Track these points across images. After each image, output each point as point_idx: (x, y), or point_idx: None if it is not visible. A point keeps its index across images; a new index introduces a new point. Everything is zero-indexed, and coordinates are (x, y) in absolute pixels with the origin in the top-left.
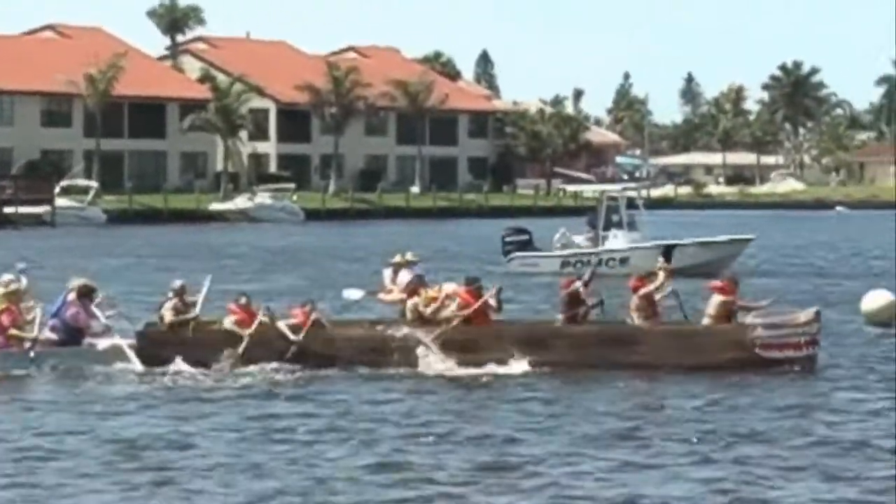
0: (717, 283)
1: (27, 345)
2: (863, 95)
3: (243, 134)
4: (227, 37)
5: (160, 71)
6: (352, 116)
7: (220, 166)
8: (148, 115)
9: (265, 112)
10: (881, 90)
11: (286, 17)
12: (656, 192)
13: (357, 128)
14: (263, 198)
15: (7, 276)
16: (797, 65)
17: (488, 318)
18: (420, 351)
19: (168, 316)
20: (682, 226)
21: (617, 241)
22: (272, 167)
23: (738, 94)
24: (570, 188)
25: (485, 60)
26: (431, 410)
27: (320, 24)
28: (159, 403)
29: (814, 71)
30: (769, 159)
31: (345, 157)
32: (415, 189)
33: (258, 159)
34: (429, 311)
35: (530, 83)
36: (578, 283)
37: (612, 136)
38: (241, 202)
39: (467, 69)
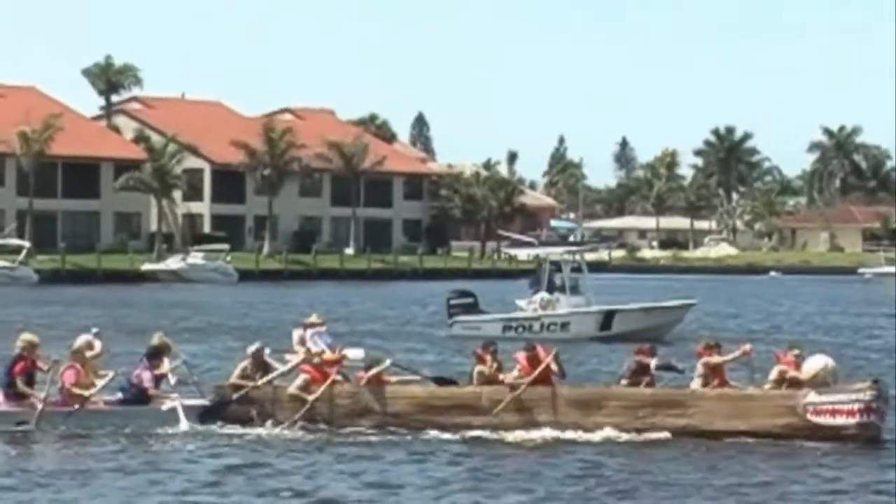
0: (783, 354)
1: (98, 406)
2: (794, 162)
3: (177, 194)
4: (162, 97)
5: (94, 130)
6: (286, 177)
7: (154, 226)
8: (82, 174)
9: (199, 172)
10: (812, 157)
11: (221, 78)
12: (590, 256)
13: (291, 189)
14: (196, 258)
15: (84, 337)
16: (730, 130)
17: (551, 381)
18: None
19: (234, 377)
20: (619, 289)
21: (559, 305)
22: (206, 227)
23: (671, 159)
24: (513, 251)
25: (420, 123)
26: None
27: (256, 85)
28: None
29: (746, 136)
30: (702, 224)
31: (279, 218)
32: (349, 251)
33: (192, 219)
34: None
35: (466, 146)
36: (653, 361)
37: (547, 200)
38: (173, 263)
39: (403, 131)
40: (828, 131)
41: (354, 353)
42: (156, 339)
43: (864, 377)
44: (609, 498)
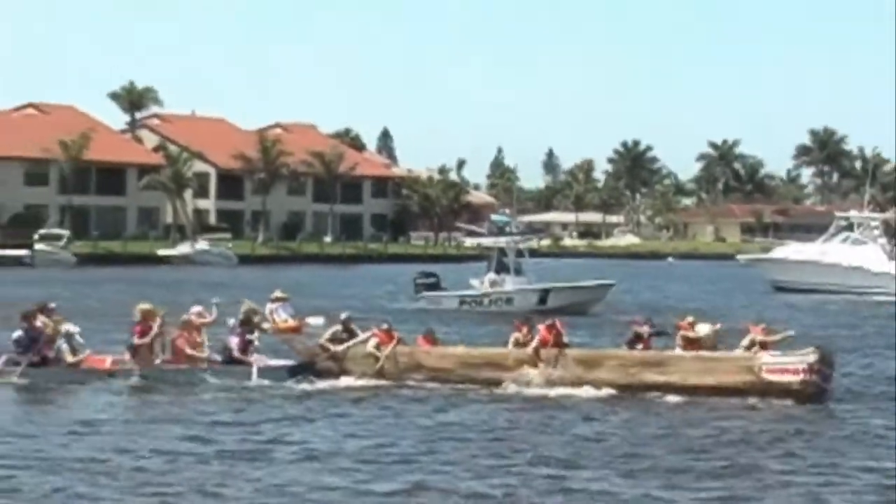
0: (754, 325)
1: (202, 364)
2: (687, 168)
3: (189, 193)
4: (176, 114)
5: (121, 141)
6: (277, 180)
7: (169, 219)
8: (111, 176)
9: (207, 175)
10: (700, 164)
11: (225, 98)
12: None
13: (281, 189)
14: (203, 245)
15: (196, 308)
16: (635, 143)
17: (563, 345)
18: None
19: (324, 338)
20: (548, 271)
21: (505, 284)
22: (212, 220)
23: (588, 166)
24: (469, 240)
25: (385, 136)
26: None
27: (252, 103)
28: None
29: (648, 148)
30: (613, 218)
31: (271, 213)
32: (327, 239)
33: (200, 214)
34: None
35: (423, 154)
36: (645, 328)
37: (488, 198)
38: (184, 248)
39: (371, 142)
40: (713, 144)
41: (315, 321)
42: (244, 308)
43: (812, 345)
44: (598, 440)
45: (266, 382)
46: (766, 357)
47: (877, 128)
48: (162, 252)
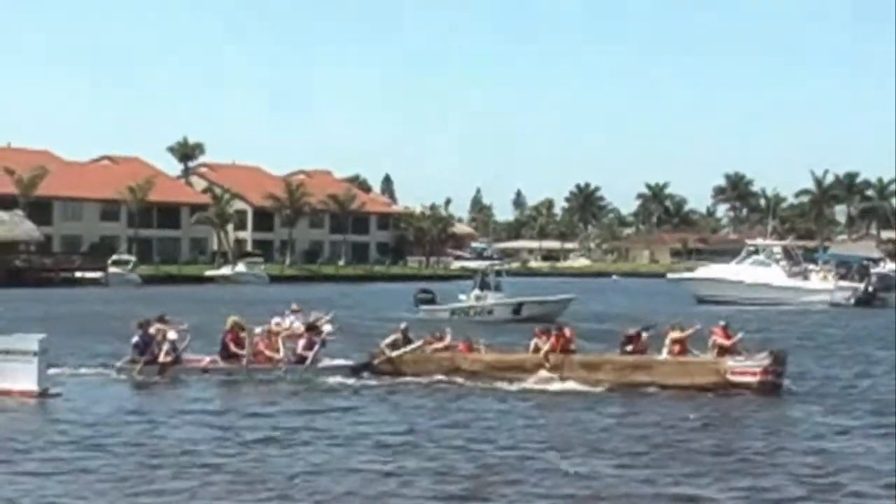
0: (717, 328)
1: (281, 366)
2: (628, 205)
3: (230, 226)
4: (220, 163)
5: (177, 186)
6: (300, 216)
7: (215, 247)
8: (169, 214)
9: (245, 212)
10: (639, 202)
11: (259, 149)
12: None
13: (304, 223)
14: (242, 268)
15: (276, 319)
16: (587, 185)
17: (571, 350)
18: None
19: (384, 344)
20: (519, 288)
21: (487, 298)
22: (249, 247)
23: (549, 204)
24: (456, 263)
25: (387, 180)
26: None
27: (281, 153)
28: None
29: (597, 189)
30: (569, 245)
31: (296, 242)
32: (341, 262)
33: (240, 243)
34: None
35: (417, 194)
36: (632, 330)
37: (469, 229)
38: (226, 270)
39: (376, 185)
40: (648, 185)
41: (327, 328)
42: (312, 317)
43: (767, 349)
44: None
45: (332, 379)
46: (730, 361)
47: (778, 172)
48: (209, 273)
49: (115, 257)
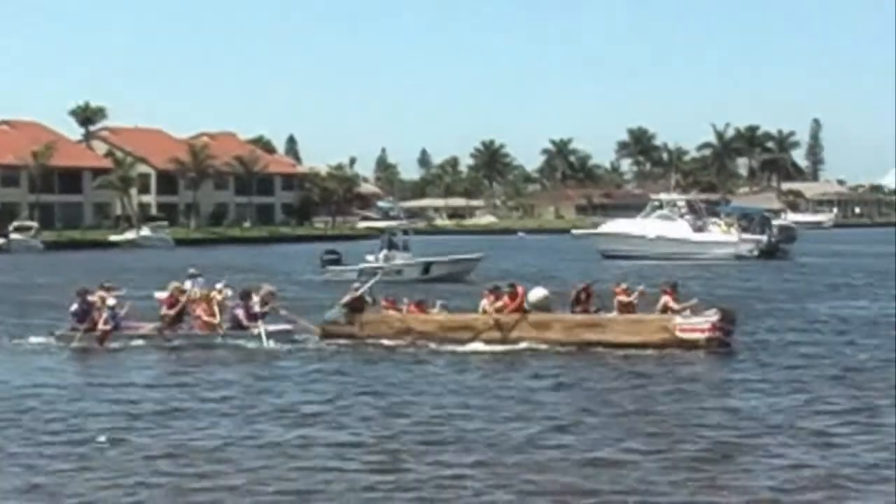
0: (665, 287)
1: (219, 330)
2: (533, 161)
3: (133, 190)
4: (122, 126)
5: (79, 150)
6: (205, 178)
7: (118, 211)
8: (71, 178)
9: (148, 176)
10: (543, 157)
11: (160, 111)
12: (407, 226)
13: (208, 185)
14: (146, 232)
15: (219, 285)
16: (492, 142)
17: (523, 310)
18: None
19: (341, 304)
20: (426, 246)
21: (396, 258)
22: (153, 211)
23: (454, 162)
24: (363, 223)
25: (291, 140)
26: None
27: (183, 115)
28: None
29: (502, 146)
30: (475, 202)
31: (200, 205)
32: (247, 224)
33: (143, 207)
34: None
35: (322, 153)
36: (580, 285)
37: (375, 189)
38: (131, 235)
39: (280, 146)
40: (552, 141)
41: (226, 292)
42: (264, 290)
43: (715, 307)
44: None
45: (274, 345)
46: (678, 319)
47: (680, 126)
48: (113, 238)
49: (16, 223)
